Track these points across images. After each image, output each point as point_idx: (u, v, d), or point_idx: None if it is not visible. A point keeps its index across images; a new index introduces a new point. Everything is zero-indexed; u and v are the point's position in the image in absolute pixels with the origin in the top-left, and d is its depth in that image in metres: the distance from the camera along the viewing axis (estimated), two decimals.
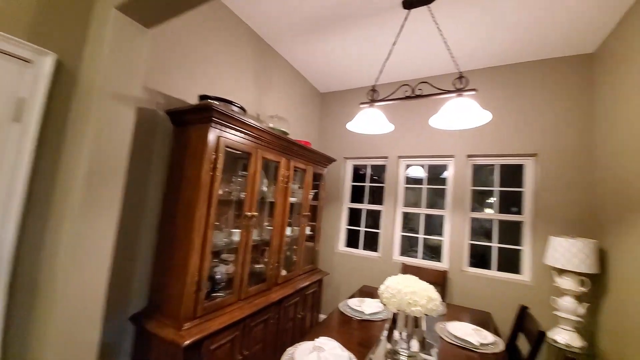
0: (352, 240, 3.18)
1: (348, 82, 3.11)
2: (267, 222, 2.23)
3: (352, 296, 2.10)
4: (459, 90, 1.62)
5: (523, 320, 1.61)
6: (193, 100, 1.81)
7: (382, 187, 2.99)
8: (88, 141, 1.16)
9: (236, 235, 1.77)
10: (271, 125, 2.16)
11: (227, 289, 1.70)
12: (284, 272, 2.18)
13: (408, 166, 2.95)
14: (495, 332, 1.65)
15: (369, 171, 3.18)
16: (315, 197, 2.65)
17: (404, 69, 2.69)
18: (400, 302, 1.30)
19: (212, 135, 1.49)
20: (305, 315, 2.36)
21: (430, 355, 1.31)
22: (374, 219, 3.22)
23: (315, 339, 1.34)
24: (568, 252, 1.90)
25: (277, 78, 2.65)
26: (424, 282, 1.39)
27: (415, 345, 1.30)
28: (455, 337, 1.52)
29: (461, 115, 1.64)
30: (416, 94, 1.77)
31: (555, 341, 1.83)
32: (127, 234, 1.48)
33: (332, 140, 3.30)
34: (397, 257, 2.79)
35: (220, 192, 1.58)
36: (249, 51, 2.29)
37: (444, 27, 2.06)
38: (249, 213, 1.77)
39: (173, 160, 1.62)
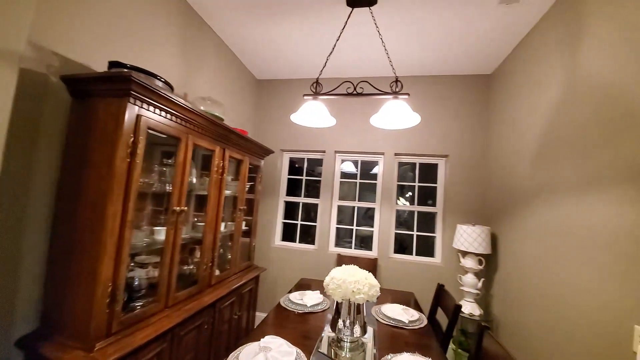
0: (286, 234, 3.15)
1: (287, 72, 3.04)
2: (196, 218, 2.01)
3: (291, 290, 2.07)
4: (394, 93, 1.75)
5: (440, 296, 1.87)
6: (101, 67, 1.46)
7: (316, 180, 3.04)
8: None
9: (161, 233, 1.52)
10: (202, 108, 1.93)
11: (149, 297, 1.45)
12: (217, 272, 1.99)
13: (343, 161, 3.07)
14: (419, 309, 1.87)
15: (305, 165, 3.19)
16: (251, 190, 2.51)
17: (347, 67, 2.78)
18: (345, 291, 1.34)
19: (129, 112, 1.22)
20: (241, 315, 2.22)
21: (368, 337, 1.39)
22: (307, 212, 3.27)
23: (261, 339, 1.26)
24: (470, 237, 2.29)
25: (210, 57, 2.39)
26: (365, 271, 1.47)
27: (357, 330, 1.36)
28: (389, 317, 1.66)
29: (396, 115, 1.77)
30: (358, 91, 1.84)
31: (462, 312, 2.20)
32: (2, 237, 1.11)
33: (268, 131, 3.18)
34: (333, 249, 2.90)
35: (140, 182, 1.33)
36: (178, 20, 1.99)
37: (384, 33, 2.20)
38: (178, 208, 1.54)
39: (71, 142, 1.28)
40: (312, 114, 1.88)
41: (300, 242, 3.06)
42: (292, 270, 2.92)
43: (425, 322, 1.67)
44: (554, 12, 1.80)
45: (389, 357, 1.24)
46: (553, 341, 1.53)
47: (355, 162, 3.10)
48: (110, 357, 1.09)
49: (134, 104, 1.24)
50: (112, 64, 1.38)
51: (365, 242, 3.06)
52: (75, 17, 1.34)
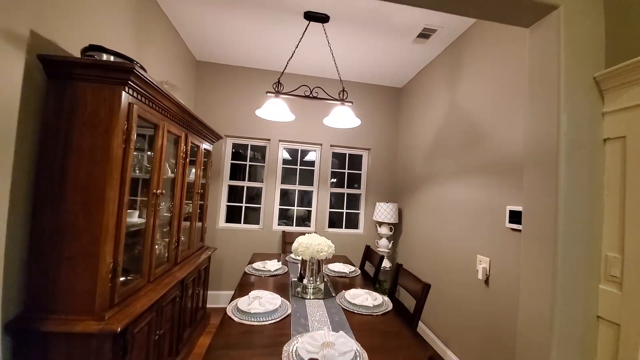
0: (229, 216, 3.33)
1: (231, 57, 3.10)
2: (163, 202, 2.06)
3: (250, 262, 2.37)
4: (342, 100, 2.23)
5: (368, 253, 2.53)
6: (48, 36, 1.36)
7: (258, 165, 3.32)
8: None
9: (137, 215, 1.60)
10: None
11: (134, 273, 1.55)
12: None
13: (284, 149, 3.42)
14: (352, 264, 2.49)
15: (249, 151, 3.39)
16: (204, 174, 2.61)
17: (300, 65, 3.10)
18: (312, 251, 1.78)
19: (124, 101, 1.30)
20: (199, 291, 2.39)
21: (333, 295, 1.90)
22: (238, 195, 3.50)
23: (249, 293, 1.58)
24: (385, 211, 3.07)
25: (158, 35, 2.31)
26: (322, 237, 1.94)
27: (318, 279, 1.83)
28: (335, 271, 2.20)
29: (342, 119, 2.26)
30: (313, 95, 2.24)
31: None
32: None
33: (209, 115, 3.20)
34: (277, 227, 3.27)
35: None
36: None
37: (333, 44, 2.61)
38: (157, 191, 1.64)
39: (50, 125, 1.25)
40: (274, 110, 2.17)
41: (247, 223, 3.30)
42: (239, 249, 3.15)
43: (359, 272, 2.28)
44: (445, 55, 2.59)
45: (343, 292, 1.76)
46: (436, 271, 2.38)
47: (290, 150, 3.48)
48: (122, 322, 1.23)
49: (127, 93, 1.31)
50: (88, 48, 1.36)
51: (303, 219, 3.54)
52: None
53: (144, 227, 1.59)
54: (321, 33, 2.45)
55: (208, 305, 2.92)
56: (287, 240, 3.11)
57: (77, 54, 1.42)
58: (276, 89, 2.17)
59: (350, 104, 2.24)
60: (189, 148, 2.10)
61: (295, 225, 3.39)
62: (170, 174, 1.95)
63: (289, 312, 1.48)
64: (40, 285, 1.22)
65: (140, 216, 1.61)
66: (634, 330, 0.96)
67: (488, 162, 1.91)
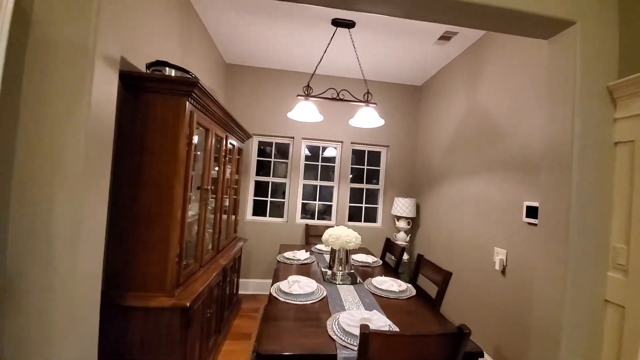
0: (255, 210, 3.55)
1: (258, 60, 3.29)
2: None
3: (280, 252, 2.58)
4: (366, 102, 2.38)
5: (389, 245, 2.70)
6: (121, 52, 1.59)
7: (282, 162, 3.53)
8: (84, 109, 1.02)
9: (195, 208, 1.83)
10: None
11: (189, 258, 1.78)
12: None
13: (306, 146, 3.60)
14: (372, 255, 2.66)
15: (274, 148, 3.59)
16: (237, 170, 2.83)
17: (328, 67, 3.28)
18: (342, 242, 1.97)
19: (188, 110, 1.51)
20: (234, 278, 2.63)
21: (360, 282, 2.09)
22: (265, 190, 3.71)
23: (288, 277, 1.79)
24: (403, 206, 3.22)
25: (196, 42, 2.51)
26: (350, 229, 2.12)
27: (347, 267, 2.02)
28: (360, 262, 2.39)
29: (367, 119, 2.41)
30: (340, 97, 2.41)
31: None
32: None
33: (237, 115, 3.41)
34: (300, 220, 3.48)
35: None
36: (177, 10, 2.10)
37: (358, 48, 2.75)
38: (207, 187, 1.86)
39: (125, 131, 1.47)
40: (304, 111, 2.35)
41: (270, 216, 3.52)
42: (265, 240, 3.38)
43: (380, 262, 2.46)
44: (465, 55, 2.70)
45: (370, 279, 1.95)
46: (454, 262, 2.54)
47: (310, 147, 3.65)
48: (189, 299, 1.46)
49: (190, 102, 1.52)
50: (153, 64, 1.58)
51: (326, 213, 3.74)
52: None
53: (197, 218, 1.81)
54: (347, 37, 2.60)
55: (239, 292, 3.18)
56: (310, 233, 3.31)
57: (142, 67, 1.64)
58: (306, 92, 2.35)
59: (375, 105, 2.39)
60: (228, 147, 2.31)
61: (317, 219, 3.59)
62: (213, 171, 2.17)
63: (324, 294, 1.68)
64: (119, 266, 1.46)
65: (192, 209, 1.83)
66: (637, 310, 1.11)
67: (505, 159, 2.04)
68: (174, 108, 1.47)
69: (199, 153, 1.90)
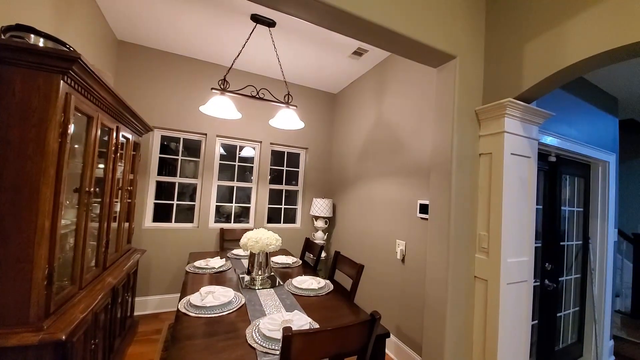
0: (157, 215, 3.09)
1: (162, 43, 2.86)
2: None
3: (189, 261, 2.31)
4: (287, 103, 2.39)
5: (308, 244, 2.77)
6: None
7: (187, 160, 3.19)
8: None
9: (71, 215, 1.44)
10: None
11: (64, 278, 1.39)
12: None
13: (221, 145, 3.35)
14: (292, 255, 2.69)
15: (181, 145, 3.20)
16: (132, 169, 2.39)
17: (247, 63, 3.10)
18: (261, 245, 1.90)
19: (62, 91, 1.19)
20: (128, 298, 2.20)
21: (281, 284, 2.05)
22: (169, 192, 3.31)
23: (200, 289, 1.61)
24: (321, 206, 3.37)
25: (78, 9, 2.01)
26: (268, 232, 2.07)
27: (267, 271, 1.97)
28: (279, 263, 2.37)
29: (287, 121, 2.42)
30: (260, 96, 2.34)
31: None
32: None
33: (133, 104, 2.89)
34: (213, 225, 3.20)
35: None
36: None
37: (280, 47, 2.71)
38: (89, 189, 1.50)
39: None
40: (220, 107, 2.18)
41: (176, 221, 3.11)
42: (170, 249, 2.97)
43: (300, 262, 2.50)
44: (374, 71, 3.02)
45: (290, 280, 1.95)
46: (364, 255, 2.80)
47: (226, 146, 3.44)
48: (65, 330, 1.14)
49: (66, 82, 1.20)
50: (18, 27, 1.18)
51: (240, 216, 3.54)
52: None
53: (75, 228, 1.44)
54: (267, 36, 2.55)
55: (135, 313, 2.69)
56: (225, 238, 3.09)
57: None
58: (222, 87, 2.18)
59: (295, 107, 2.42)
60: (119, 141, 1.93)
61: (233, 222, 3.38)
62: (99, 170, 1.77)
63: (242, 302, 1.59)
64: None
65: (67, 216, 1.45)
66: (496, 282, 1.46)
67: (405, 165, 2.39)
68: (41, 87, 1.13)
69: (77, 147, 1.52)
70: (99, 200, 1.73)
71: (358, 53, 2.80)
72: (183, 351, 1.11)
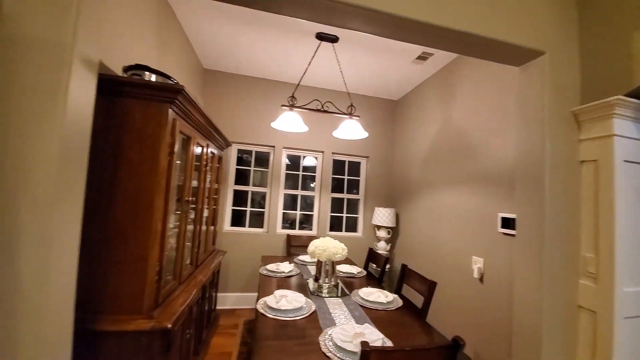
0: (233, 220, 3.42)
1: (238, 67, 3.22)
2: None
3: (262, 264, 2.50)
4: (350, 114, 2.43)
5: (371, 255, 2.73)
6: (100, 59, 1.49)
7: (261, 171, 3.47)
8: (58, 115, 0.92)
9: (174, 220, 1.71)
10: None
11: (167, 274, 1.65)
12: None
13: (287, 155, 3.57)
14: (356, 265, 2.68)
15: (253, 157, 3.51)
16: (216, 180, 2.71)
17: (313, 79, 3.30)
18: (328, 254, 1.95)
19: (170, 117, 1.43)
20: (213, 294, 2.49)
21: (347, 293, 2.08)
22: (242, 199, 3.60)
23: (274, 292, 1.73)
24: (383, 216, 3.29)
25: (174, 45, 2.41)
26: (335, 241, 2.11)
27: (333, 279, 2.00)
28: (345, 272, 2.38)
29: (351, 131, 2.45)
30: (325, 109, 2.43)
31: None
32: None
33: (216, 123, 3.29)
34: (280, 230, 3.41)
35: None
36: (155, 12, 2.00)
37: (342, 61, 2.80)
38: (188, 198, 1.76)
39: (99, 139, 1.35)
40: (289, 122, 2.33)
41: (249, 226, 3.41)
42: (244, 251, 3.26)
43: (365, 272, 2.48)
44: (440, 74, 2.86)
45: (357, 290, 1.95)
46: (433, 270, 2.62)
47: (290, 156, 3.63)
48: (170, 320, 1.35)
49: (172, 109, 1.44)
50: (136, 67, 1.48)
51: (302, 223, 3.69)
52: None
53: (177, 231, 1.70)
54: (331, 51, 2.65)
55: (217, 307, 3.02)
56: (292, 243, 3.26)
57: (117, 69, 1.53)
58: (291, 103, 2.34)
59: (358, 117, 2.44)
60: (209, 156, 2.22)
61: (298, 229, 3.54)
62: (194, 181, 2.06)
63: (313, 308, 1.64)
64: (89, 287, 1.31)
65: (170, 221, 1.72)
66: (608, 315, 1.21)
67: (479, 173, 2.17)
68: (155, 115, 1.38)
69: (178, 162, 1.80)
70: (194, 207, 2.01)
71: (422, 57, 2.69)
72: (264, 350, 1.21)
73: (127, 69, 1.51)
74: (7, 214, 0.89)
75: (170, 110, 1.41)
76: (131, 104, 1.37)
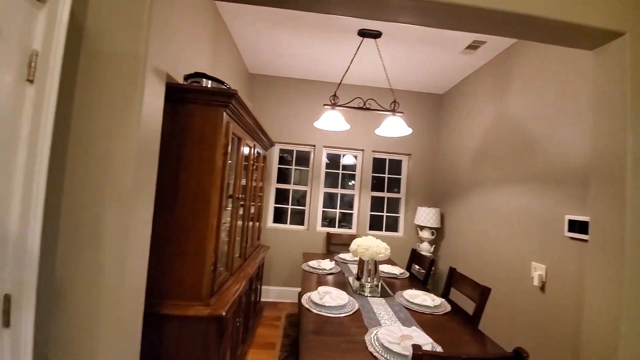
0: (275, 217, 3.55)
1: (281, 70, 3.33)
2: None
3: (305, 260, 2.56)
4: (393, 111, 2.36)
5: (415, 256, 2.64)
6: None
7: (301, 169, 3.54)
8: (135, 119, 1.04)
9: (226, 216, 1.83)
10: None
11: (220, 266, 1.78)
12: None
13: (328, 153, 3.60)
14: (398, 266, 2.61)
15: (294, 156, 3.60)
16: (261, 178, 2.84)
17: (355, 77, 3.29)
18: (371, 253, 1.93)
19: (225, 120, 1.53)
20: (258, 286, 2.62)
21: (391, 294, 2.04)
22: (283, 197, 3.69)
23: (318, 288, 1.76)
24: (427, 216, 3.16)
25: (225, 53, 2.57)
26: (379, 240, 2.08)
27: (375, 278, 1.98)
28: (387, 272, 2.34)
29: (394, 128, 2.39)
30: (367, 106, 2.40)
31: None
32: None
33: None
34: (320, 228, 3.45)
35: None
36: (210, 23, 2.15)
37: (385, 56, 2.74)
38: (238, 195, 1.87)
39: (165, 142, 1.49)
40: (331, 121, 2.35)
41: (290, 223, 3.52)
42: (286, 248, 3.37)
43: (407, 273, 2.40)
44: (492, 63, 2.65)
45: (401, 292, 1.90)
46: (484, 275, 2.45)
47: (330, 155, 3.64)
48: (224, 308, 1.45)
49: (227, 113, 1.54)
50: (195, 75, 1.61)
51: (341, 221, 3.70)
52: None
53: (229, 226, 1.82)
54: (372, 47, 2.60)
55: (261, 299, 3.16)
56: (332, 241, 3.28)
57: (178, 78, 1.68)
58: (333, 102, 2.35)
59: (401, 114, 2.37)
60: (255, 156, 2.33)
61: (338, 227, 3.55)
62: (242, 180, 2.18)
63: (357, 307, 1.64)
64: (156, 275, 1.46)
65: (223, 217, 1.84)
66: None
67: (542, 171, 1.97)
68: (211, 119, 1.50)
69: (230, 162, 1.92)
70: (242, 204, 2.13)
71: (473, 47, 2.51)
72: (312, 345, 1.24)
73: (187, 77, 1.65)
74: (95, 207, 1.03)
75: (224, 114, 1.51)
76: (192, 109, 1.50)
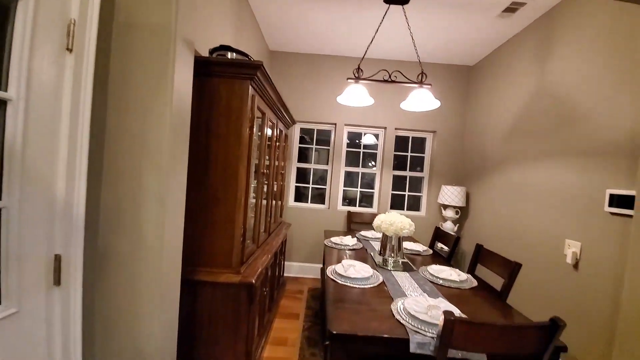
0: (296, 196, 3.60)
1: (302, 46, 3.25)
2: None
3: (327, 237, 2.60)
4: (420, 83, 2.25)
5: (439, 234, 2.61)
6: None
7: (322, 149, 3.51)
8: (169, 91, 1.06)
9: (252, 191, 1.87)
10: None
11: (247, 239, 1.84)
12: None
13: (348, 133, 3.54)
14: (421, 243, 2.59)
15: (315, 135, 3.57)
16: (283, 157, 2.86)
17: (379, 50, 3.15)
18: (395, 228, 1.92)
19: (250, 93, 1.52)
20: (281, 260, 2.71)
21: (414, 269, 2.04)
22: (303, 176, 3.69)
23: (342, 261, 1.79)
24: (452, 194, 3.07)
25: (248, 29, 2.53)
26: (403, 216, 2.06)
27: (399, 254, 1.98)
28: (410, 249, 2.33)
29: (421, 101, 2.29)
30: (392, 79, 2.30)
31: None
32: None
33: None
34: (341, 207, 3.47)
35: None
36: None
37: (413, 25, 2.59)
38: (263, 171, 1.90)
39: (194, 114, 1.52)
40: (354, 95, 2.28)
41: (308, 202, 3.55)
42: (307, 226, 3.43)
43: (431, 251, 2.38)
44: (532, 28, 2.43)
45: (425, 267, 1.90)
46: (513, 253, 2.39)
47: (350, 135, 3.57)
48: (253, 276, 1.52)
49: (252, 86, 1.53)
50: (221, 48, 1.60)
51: (361, 201, 3.69)
52: None
53: (255, 202, 1.86)
54: (397, 16, 2.46)
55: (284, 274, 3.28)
56: (353, 220, 3.30)
57: (203, 51, 1.67)
58: (356, 75, 2.27)
59: (429, 85, 2.25)
60: (279, 133, 2.33)
61: (358, 206, 3.55)
62: (266, 157, 2.21)
63: (381, 279, 1.66)
64: (189, 243, 1.54)
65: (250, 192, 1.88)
66: None
67: (583, 144, 1.83)
68: (237, 92, 1.50)
69: (255, 138, 1.93)
70: (266, 182, 2.17)
71: (511, 9, 2.31)
72: (338, 312, 1.27)
73: (212, 51, 1.64)
74: (136, 177, 1.08)
75: (250, 87, 1.51)
76: (218, 83, 1.51)
